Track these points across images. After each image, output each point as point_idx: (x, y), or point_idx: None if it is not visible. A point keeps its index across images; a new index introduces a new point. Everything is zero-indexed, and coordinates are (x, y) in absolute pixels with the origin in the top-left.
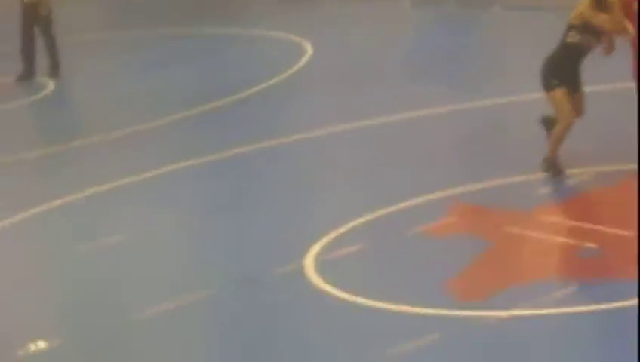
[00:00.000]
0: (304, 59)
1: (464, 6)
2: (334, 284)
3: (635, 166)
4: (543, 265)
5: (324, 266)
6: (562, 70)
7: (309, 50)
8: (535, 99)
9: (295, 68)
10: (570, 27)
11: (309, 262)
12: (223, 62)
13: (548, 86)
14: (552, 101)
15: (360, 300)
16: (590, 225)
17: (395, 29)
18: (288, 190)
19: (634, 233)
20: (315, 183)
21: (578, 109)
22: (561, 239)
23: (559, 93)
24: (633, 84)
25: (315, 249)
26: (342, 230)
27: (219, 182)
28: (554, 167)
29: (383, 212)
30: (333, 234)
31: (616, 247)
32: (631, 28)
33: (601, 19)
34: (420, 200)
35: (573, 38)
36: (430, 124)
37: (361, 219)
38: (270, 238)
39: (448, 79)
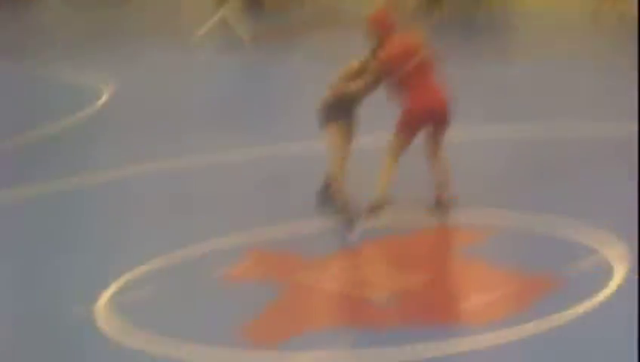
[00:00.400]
0: (102, 102)
1: (268, 54)
2: (126, 328)
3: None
4: (334, 313)
5: (116, 309)
6: (337, 108)
7: (108, 93)
8: None
9: (92, 110)
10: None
11: (101, 305)
12: (20, 100)
13: (323, 123)
14: (326, 137)
15: (153, 346)
16: (383, 273)
17: (197, 75)
18: (84, 231)
19: (425, 281)
20: (110, 226)
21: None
22: (353, 286)
23: (332, 126)
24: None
25: (109, 292)
26: (137, 273)
27: (9, 223)
28: (345, 212)
29: (179, 256)
30: (127, 278)
31: (408, 295)
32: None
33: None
34: (216, 244)
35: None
36: (228, 169)
37: (157, 263)
38: (63, 280)
39: (247, 125)
